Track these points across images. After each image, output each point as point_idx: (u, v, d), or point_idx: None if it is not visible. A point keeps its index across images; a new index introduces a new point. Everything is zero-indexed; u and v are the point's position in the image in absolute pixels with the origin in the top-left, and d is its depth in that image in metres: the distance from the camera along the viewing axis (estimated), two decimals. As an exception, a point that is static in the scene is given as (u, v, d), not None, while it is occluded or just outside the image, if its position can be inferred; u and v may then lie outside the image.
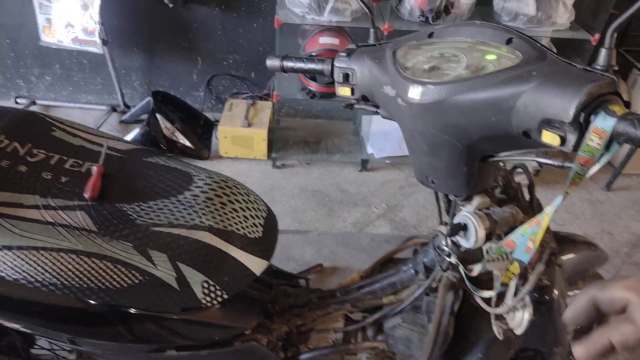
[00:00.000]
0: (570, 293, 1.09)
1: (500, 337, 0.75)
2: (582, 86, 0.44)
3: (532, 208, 0.75)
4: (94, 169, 0.79)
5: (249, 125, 2.41)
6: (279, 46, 2.18)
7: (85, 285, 0.69)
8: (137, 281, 0.71)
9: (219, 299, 0.75)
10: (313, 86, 2.19)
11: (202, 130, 2.52)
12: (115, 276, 0.70)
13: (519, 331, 0.72)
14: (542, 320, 0.80)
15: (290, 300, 0.99)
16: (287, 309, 0.98)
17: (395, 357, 0.96)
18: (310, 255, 1.92)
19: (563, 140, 0.46)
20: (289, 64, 0.77)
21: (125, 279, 0.71)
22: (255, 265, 0.79)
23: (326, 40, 2.14)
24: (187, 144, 2.38)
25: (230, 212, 0.79)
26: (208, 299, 0.75)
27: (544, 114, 0.46)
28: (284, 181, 2.39)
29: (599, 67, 0.46)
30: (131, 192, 0.78)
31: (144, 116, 2.40)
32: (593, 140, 0.43)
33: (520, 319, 0.71)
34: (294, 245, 1.96)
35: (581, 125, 0.45)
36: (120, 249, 0.71)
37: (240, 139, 2.41)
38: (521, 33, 0.54)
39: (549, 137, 0.47)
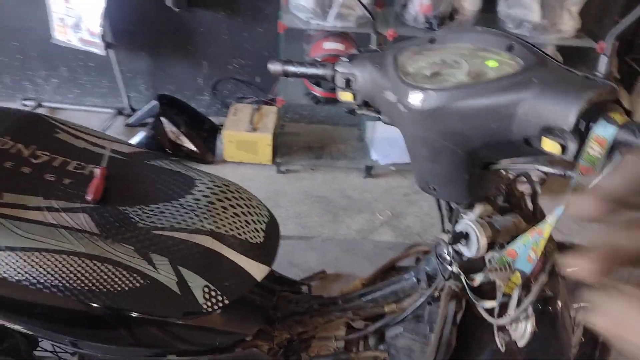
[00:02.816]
0: (574, 305, 1.07)
1: (502, 349, 0.74)
2: (582, 93, 0.44)
3: (535, 217, 0.74)
4: (97, 171, 0.79)
5: (254, 129, 2.41)
6: (283, 51, 2.19)
7: (86, 288, 0.69)
8: (138, 285, 0.71)
9: (220, 304, 0.75)
10: (317, 91, 2.19)
11: (207, 134, 2.53)
12: (116, 279, 0.70)
13: (521, 343, 0.71)
14: (545, 332, 0.79)
15: (292, 307, 0.98)
16: (288, 315, 0.97)
17: (396, 365, 0.95)
18: (313, 261, 1.92)
19: (564, 149, 0.46)
20: (291, 68, 0.77)
21: (127, 282, 0.71)
22: (257, 270, 0.79)
23: (331, 45, 2.14)
24: (192, 147, 2.38)
25: (232, 216, 0.79)
26: (209, 303, 0.74)
27: (545, 121, 0.46)
28: (288, 186, 2.39)
29: (599, 75, 0.46)
30: (134, 195, 0.78)
31: (150, 120, 2.41)
32: (594, 148, 0.43)
33: (523, 331, 0.70)
34: (297, 251, 1.96)
35: (582, 133, 0.44)
36: (122, 252, 0.71)
37: (244, 143, 2.42)
38: (522, 39, 0.54)
39: (550, 145, 0.46)
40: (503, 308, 0.70)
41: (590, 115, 0.44)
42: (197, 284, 0.73)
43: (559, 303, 0.79)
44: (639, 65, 2.35)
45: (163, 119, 2.32)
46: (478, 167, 0.60)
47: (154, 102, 2.46)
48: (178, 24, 2.53)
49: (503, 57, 0.54)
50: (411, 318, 0.88)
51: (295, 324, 0.97)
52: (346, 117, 2.77)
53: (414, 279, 0.88)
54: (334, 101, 2.21)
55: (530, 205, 0.75)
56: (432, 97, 0.54)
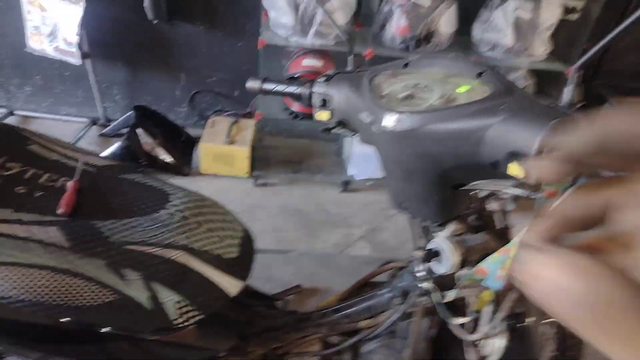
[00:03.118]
0: (545, 321, 1.10)
1: (474, 364, 0.75)
2: (545, 122, 0.46)
3: (505, 235, 0.76)
4: (69, 184, 0.78)
5: (231, 142, 2.41)
6: (262, 66, 2.20)
7: (56, 302, 0.68)
8: (109, 299, 0.70)
9: (193, 320, 0.74)
10: (296, 107, 2.21)
11: (183, 146, 2.51)
12: (87, 294, 0.69)
13: (493, 359, 0.72)
14: (516, 348, 0.81)
15: (267, 322, 0.98)
16: (263, 331, 0.97)
17: (370, 381, 0.95)
18: (289, 275, 1.91)
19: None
20: (268, 86, 0.78)
21: (97, 296, 0.69)
22: (231, 286, 0.78)
23: (309, 62, 2.16)
24: (168, 159, 2.36)
25: (205, 232, 0.79)
26: (181, 319, 0.74)
27: (511, 147, 0.48)
28: (265, 200, 2.38)
29: (562, 104, 0.48)
30: (106, 209, 0.77)
31: (125, 130, 2.38)
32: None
33: (493, 347, 0.72)
34: (273, 265, 1.95)
35: None
36: (93, 267, 0.70)
37: (221, 156, 2.41)
38: (491, 68, 0.56)
39: (515, 170, 0.48)
40: (476, 324, 0.71)
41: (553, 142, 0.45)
42: (169, 299, 0.72)
43: (531, 319, 0.81)
44: (606, 90, 2.45)
45: (139, 130, 2.29)
46: (449, 187, 0.61)
47: (130, 113, 2.43)
48: (157, 35, 2.52)
49: (473, 84, 0.56)
50: (386, 333, 0.88)
51: (270, 339, 0.96)
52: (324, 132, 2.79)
53: (389, 295, 0.88)
54: (312, 117, 2.23)
55: (500, 223, 0.77)
56: (405, 120, 0.55)
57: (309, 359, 0.96)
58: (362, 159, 2.52)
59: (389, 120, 0.57)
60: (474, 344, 0.76)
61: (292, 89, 0.75)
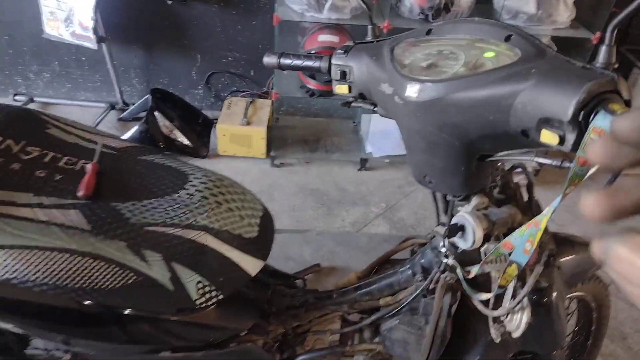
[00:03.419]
0: (569, 295, 1.08)
1: (497, 340, 0.74)
2: (581, 84, 0.43)
3: (531, 208, 0.74)
4: (88, 167, 0.78)
5: (248, 123, 2.40)
6: (278, 44, 2.17)
7: (78, 285, 0.68)
8: (130, 281, 0.70)
9: (214, 300, 0.74)
10: (312, 84, 2.18)
11: (200, 128, 2.51)
12: (108, 276, 0.69)
13: (516, 334, 0.71)
14: (539, 322, 0.79)
15: (287, 301, 0.98)
16: (283, 309, 0.97)
17: (392, 359, 0.95)
18: (308, 254, 1.91)
19: (562, 140, 0.45)
20: (286, 61, 0.76)
21: (119, 278, 0.70)
22: (251, 265, 0.78)
23: (325, 37, 2.12)
24: (186, 142, 2.37)
25: (226, 211, 0.78)
26: (203, 299, 0.74)
27: (543, 112, 0.45)
28: (283, 180, 2.38)
29: (598, 65, 0.45)
30: (125, 190, 0.77)
31: (143, 114, 2.39)
32: (593, 139, 0.42)
33: (518, 322, 0.70)
34: (292, 245, 1.96)
35: (580, 125, 0.44)
36: (114, 249, 0.70)
37: (238, 137, 2.40)
38: (520, 30, 0.53)
39: (548, 137, 0.46)
40: (498, 299, 0.70)
41: (589, 106, 0.43)
42: (190, 279, 0.72)
43: (554, 294, 0.79)
44: (634, 55, 2.35)
45: (156, 113, 2.30)
46: (475, 159, 0.59)
47: (147, 96, 2.43)
48: (171, 17, 2.50)
49: (501, 48, 0.53)
50: (406, 311, 0.87)
51: (290, 318, 0.96)
52: (341, 109, 2.76)
53: (409, 272, 0.87)
54: (329, 94, 2.20)
55: (525, 196, 0.75)
56: (428, 89, 0.53)
57: (329, 337, 0.96)
58: (379, 136, 2.49)
59: (412, 90, 0.55)
60: (498, 320, 0.74)
61: (309, 62, 0.74)
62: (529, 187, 0.75)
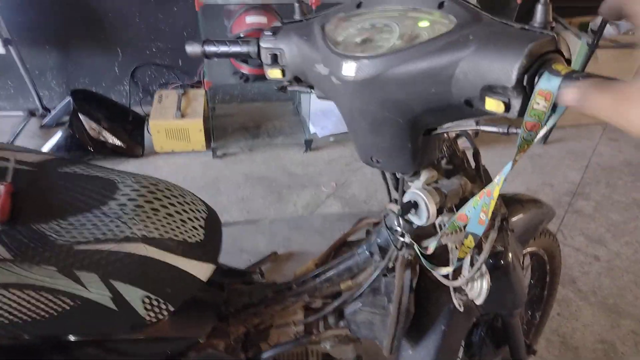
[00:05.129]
0: (523, 252, 1.11)
1: (461, 309, 0.74)
2: (522, 47, 0.41)
3: (480, 176, 0.73)
4: (1, 188, 0.69)
5: (183, 116, 2.29)
6: (203, 29, 2.06)
7: (7, 321, 0.61)
8: (68, 307, 0.64)
9: (165, 313, 0.69)
10: (245, 69, 2.10)
11: (131, 126, 2.37)
12: (42, 306, 0.63)
13: (479, 301, 0.71)
14: (499, 286, 0.80)
15: (245, 299, 0.94)
16: (242, 308, 0.93)
17: (359, 340, 0.94)
18: (263, 244, 1.87)
19: (507, 107, 0.43)
20: (210, 48, 0.70)
21: (55, 307, 0.63)
22: (201, 270, 0.73)
23: (253, 19, 2.04)
24: (117, 142, 2.23)
25: (165, 217, 0.72)
26: (152, 314, 0.68)
27: (485, 80, 0.43)
28: (227, 171, 2.31)
29: (536, 25, 0.43)
30: (48, 209, 0.69)
31: (66, 118, 2.22)
32: (539, 103, 0.41)
33: (479, 289, 0.70)
34: (245, 237, 1.91)
35: (525, 89, 0.42)
36: (43, 275, 0.63)
37: (174, 131, 2.29)
38: None
39: (493, 105, 0.44)
40: (457, 269, 0.69)
41: (532, 69, 0.41)
42: (135, 296, 0.66)
43: (510, 255, 0.80)
44: (556, 13, 2.44)
45: (81, 116, 2.14)
46: (420, 134, 0.57)
47: (68, 99, 2.26)
48: (84, 10, 2.31)
49: (435, 17, 0.51)
50: (368, 292, 0.86)
51: (251, 316, 0.93)
52: (279, 92, 2.70)
53: (367, 253, 0.86)
54: (264, 78, 2.13)
55: (472, 163, 0.75)
56: (366, 66, 0.50)
57: (294, 328, 0.94)
58: (322, 116, 2.46)
59: (349, 69, 0.51)
60: (459, 289, 0.74)
61: (237, 48, 0.68)
62: (476, 154, 0.75)
